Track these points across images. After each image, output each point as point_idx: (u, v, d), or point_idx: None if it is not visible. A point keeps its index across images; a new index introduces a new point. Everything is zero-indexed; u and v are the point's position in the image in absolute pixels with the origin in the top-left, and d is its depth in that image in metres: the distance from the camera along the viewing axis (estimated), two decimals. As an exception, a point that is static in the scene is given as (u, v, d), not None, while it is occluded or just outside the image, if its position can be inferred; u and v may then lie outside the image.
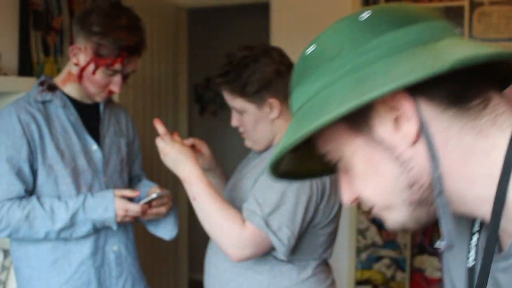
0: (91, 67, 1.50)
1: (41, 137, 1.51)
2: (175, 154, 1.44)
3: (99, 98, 1.59)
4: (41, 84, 1.58)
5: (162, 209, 1.62)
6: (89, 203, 1.50)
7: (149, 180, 1.82)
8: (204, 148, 1.67)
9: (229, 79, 1.47)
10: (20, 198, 1.48)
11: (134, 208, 1.52)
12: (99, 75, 1.51)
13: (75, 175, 1.54)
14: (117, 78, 1.53)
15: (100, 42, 1.46)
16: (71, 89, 1.59)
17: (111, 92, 1.57)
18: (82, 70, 1.52)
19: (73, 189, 1.53)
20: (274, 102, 1.47)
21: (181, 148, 1.45)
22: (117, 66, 1.49)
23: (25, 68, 2.09)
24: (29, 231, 1.47)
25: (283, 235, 1.36)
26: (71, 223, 1.48)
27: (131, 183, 1.80)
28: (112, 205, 1.50)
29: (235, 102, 1.50)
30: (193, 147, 1.64)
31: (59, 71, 2.24)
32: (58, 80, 1.62)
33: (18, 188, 1.48)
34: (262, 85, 1.45)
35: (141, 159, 1.86)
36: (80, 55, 1.51)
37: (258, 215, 1.36)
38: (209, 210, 1.39)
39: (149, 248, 2.90)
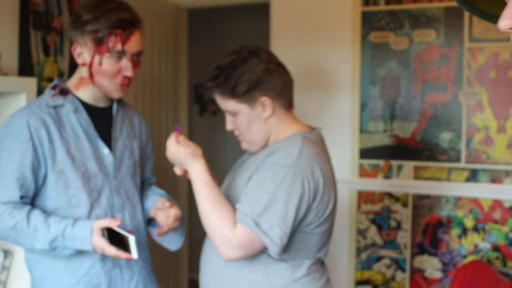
0: (97, 59, 1.52)
1: (51, 142, 1.51)
2: (179, 155, 1.47)
3: (117, 93, 1.58)
4: (54, 88, 1.59)
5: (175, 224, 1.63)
6: (68, 233, 1.45)
7: (158, 187, 1.80)
8: None
9: (219, 82, 1.49)
10: (14, 203, 1.48)
11: (110, 251, 1.44)
12: (106, 64, 1.52)
13: (86, 179, 1.54)
14: (125, 62, 1.53)
15: (95, 28, 1.49)
16: (84, 93, 1.60)
17: (126, 79, 1.55)
18: (90, 67, 1.54)
19: (83, 193, 1.53)
20: (266, 100, 1.48)
21: (185, 148, 1.46)
22: (118, 46, 1.50)
23: (25, 68, 2.09)
24: (17, 240, 1.48)
25: (274, 235, 1.36)
26: (50, 247, 1.46)
27: (143, 186, 1.80)
28: (89, 239, 1.44)
29: (227, 104, 1.51)
30: None
31: (59, 71, 2.24)
32: (70, 84, 1.62)
33: (13, 193, 1.47)
34: (252, 84, 1.46)
35: (153, 162, 1.85)
36: (84, 53, 1.54)
37: (248, 216, 1.37)
38: (204, 209, 1.43)
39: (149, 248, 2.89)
